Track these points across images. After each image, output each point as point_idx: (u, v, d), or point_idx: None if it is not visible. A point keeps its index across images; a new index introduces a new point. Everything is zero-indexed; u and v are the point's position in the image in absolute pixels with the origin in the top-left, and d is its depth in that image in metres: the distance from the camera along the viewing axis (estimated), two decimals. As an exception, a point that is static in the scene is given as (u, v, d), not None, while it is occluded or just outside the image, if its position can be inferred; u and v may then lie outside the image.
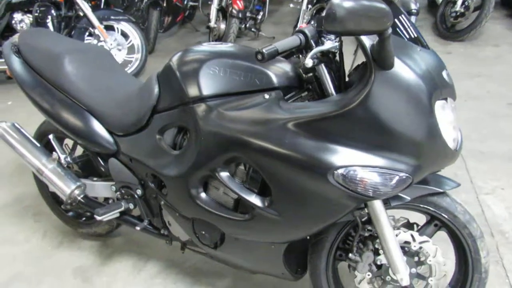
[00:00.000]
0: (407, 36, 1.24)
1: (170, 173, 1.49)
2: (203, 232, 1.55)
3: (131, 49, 4.19)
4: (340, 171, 1.17)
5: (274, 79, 1.31)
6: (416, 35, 1.25)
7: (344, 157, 1.18)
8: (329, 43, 1.23)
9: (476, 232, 1.39)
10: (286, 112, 1.24)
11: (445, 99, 1.22)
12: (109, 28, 4.03)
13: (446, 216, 1.38)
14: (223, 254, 1.58)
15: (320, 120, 1.18)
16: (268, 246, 1.45)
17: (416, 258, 1.42)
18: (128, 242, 2.13)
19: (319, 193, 1.24)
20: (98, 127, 1.70)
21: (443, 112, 1.19)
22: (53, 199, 2.13)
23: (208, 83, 1.37)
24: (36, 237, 2.22)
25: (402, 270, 1.36)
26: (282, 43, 1.21)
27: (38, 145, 1.91)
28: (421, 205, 1.38)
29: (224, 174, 1.38)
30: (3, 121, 1.95)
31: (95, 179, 1.90)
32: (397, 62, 1.11)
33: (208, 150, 1.37)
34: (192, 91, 1.38)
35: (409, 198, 1.33)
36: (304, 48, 1.26)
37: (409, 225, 1.49)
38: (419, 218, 1.47)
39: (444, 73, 1.22)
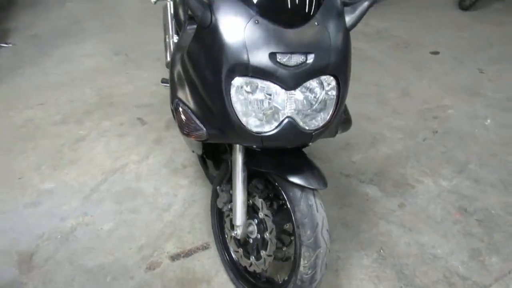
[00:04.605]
0: None
1: None
2: None
3: None
4: (176, 100, 1.31)
5: None
6: None
7: (182, 92, 1.30)
8: None
9: (305, 239, 1.30)
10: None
11: (277, 84, 1.07)
12: None
13: (289, 205, 1.33)
14: None
15: (184, 52, 1.27)
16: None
17: (261, 227, 1.47)
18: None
19: None
20: None
21: (255, 93, 1.09)
22: None
23: None
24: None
25: (238, 223, 1.42)
26: None
27: None
28: (276, 183, 1.34)
29: None
30: None
31: None
32: (215, 23, 1.07)
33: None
34: None
35: (263, 170, 1.35)
36: None
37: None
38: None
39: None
